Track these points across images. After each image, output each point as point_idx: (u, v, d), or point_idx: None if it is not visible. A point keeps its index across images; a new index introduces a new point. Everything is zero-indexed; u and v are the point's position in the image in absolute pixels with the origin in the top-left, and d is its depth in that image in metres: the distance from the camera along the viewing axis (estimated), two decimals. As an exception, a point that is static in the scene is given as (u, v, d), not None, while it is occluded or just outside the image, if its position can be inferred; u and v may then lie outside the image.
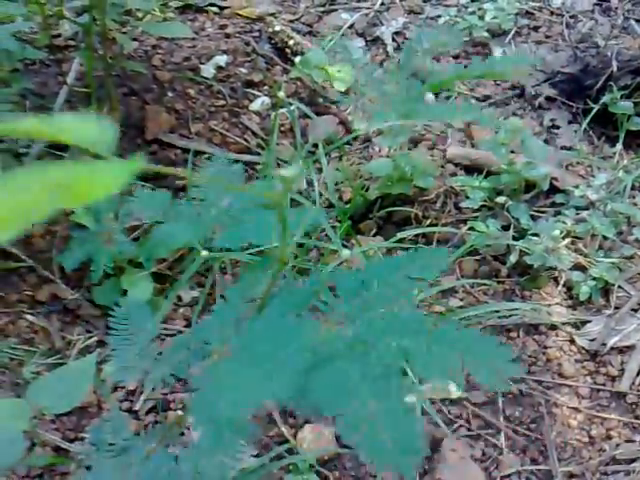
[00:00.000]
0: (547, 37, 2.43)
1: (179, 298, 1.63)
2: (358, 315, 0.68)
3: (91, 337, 1.55)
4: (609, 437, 1.47)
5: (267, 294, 0.76)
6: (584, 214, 1.77)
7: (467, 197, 1.80)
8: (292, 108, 2.03)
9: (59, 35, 2.17)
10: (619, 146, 2.00)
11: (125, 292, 1.56)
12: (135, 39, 2.23)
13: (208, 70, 2.18)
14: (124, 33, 2.10)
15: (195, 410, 0.70)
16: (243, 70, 2.21)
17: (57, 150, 1.83)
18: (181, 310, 1.62)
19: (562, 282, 1.69)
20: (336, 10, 2.52)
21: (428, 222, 1.80)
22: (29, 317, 1.57)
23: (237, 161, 1.95)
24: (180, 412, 1.41)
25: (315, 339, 0.65)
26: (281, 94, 2.04)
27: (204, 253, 1.55)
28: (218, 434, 0.73)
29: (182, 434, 1.38)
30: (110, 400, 1.40)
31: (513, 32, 2.43)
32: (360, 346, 0.63)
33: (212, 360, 0.80)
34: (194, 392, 0.70)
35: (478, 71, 0.68)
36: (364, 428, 0.57)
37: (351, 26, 2.45)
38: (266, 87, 2.17)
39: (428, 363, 0.62)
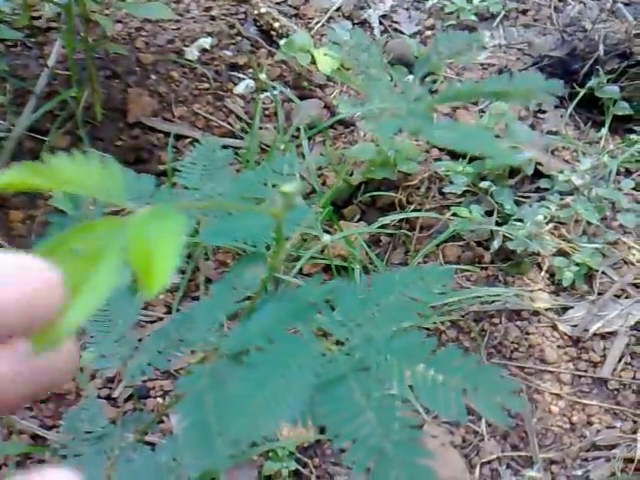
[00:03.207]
0: (535, 20, 2.41)
1: (160, 284, 1.62)
2: (358, 335, 0.67)
3: (70, 323, 1.53)
4: (590, 423, 1.47)
5: (258, 297, 0.74)
6: (568, 199, 1.76)
7: (451, 182, 1.78)
8: (276, 92, 2.01)
9: (40, 17, 2.14)
10: (604, 131, 1.99)
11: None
12: (119, 21, 2.20)
13: (192, 53, 2.15)
14: (107, 15, 2.08)
15: (191, 430, 0.68)
16: (228, 53, 2.18)
17: (38, 134, 1.81)
18: (161, 296, 1.61)
19: (545, 268, 1.69)
20: (323, -8, 2.49)
21: (412, 207, 1.79)
22: (8, 303, 1.55)
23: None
24: (160, 400, 1.41)
25: (320, 360, 0.64)
26: (263, 77, 2.02)
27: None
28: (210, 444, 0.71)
29: (161, 422, 1.38)
30: (88, 387, 1.39)
31: (501, 15, 2.41)
32: (363, 371, 0.63)
33: (199, 362, 0.77)
34: (186, 405, 0.68)
35: (494, 90, 0.65)
36: (370, 453, 0.58)
37: (338, 9, 2.42)
38: (251, 70, 2.15)
39: (431, 393, 0.61)
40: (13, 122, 1.83)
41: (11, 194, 1.70)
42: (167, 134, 1.92)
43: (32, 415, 1.36)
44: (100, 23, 1.95)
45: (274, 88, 2.02)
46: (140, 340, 1.56)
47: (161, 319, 1.56)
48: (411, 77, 1.96)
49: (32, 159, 1.36)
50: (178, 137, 1.91)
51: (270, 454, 1.32)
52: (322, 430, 1.41)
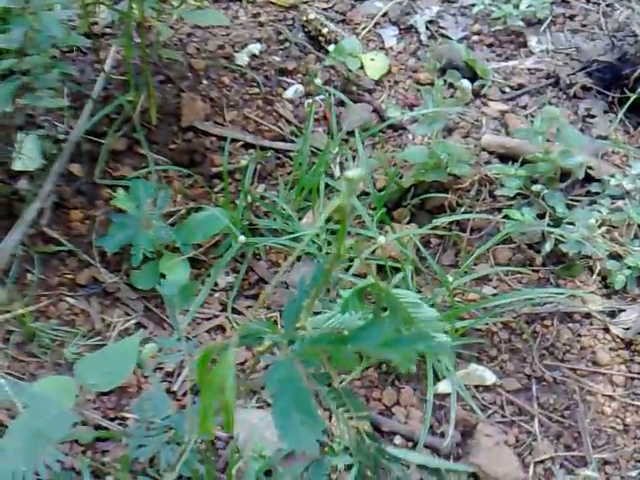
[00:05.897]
0: (583, 26, 2.41)
1: (215, 283, 1.65)
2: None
3: (130, 320, 1.57)
4: (644, 425, 1.47)
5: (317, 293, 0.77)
6: (619, 203, 1.77)
7: (502, 185, 1.79)
8: (326, 95, 2.04)
9: (96, 23, 2.20)
10: (655, 135, 1.99)
11: (163, 276, 1.59)
12: (170, 27, 2.24)
13: (242, 58, 2.19)
14: (161, 21, 2.12)
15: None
16: (277, 58, 2.22)
17: (95, 137, 1.86)
18: (216, 295, 1.64)
19: (597, 271, 1.69)
20: (370, -2, 2.52)
21: (462, 210, 1.80)
22: (69, 300, 1.60)
23: (271, 148, 1.97)
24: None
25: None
26: (318, 81, 2.05)
27: (242, 238, 1.57)
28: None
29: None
30: (153, 379, 1.43)
31: (548, 21, 2.41)
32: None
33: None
34: None
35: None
36: None
37: (384, 14, 2.45)
38: (299, 75, 2.18)
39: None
40: (71, 125, 1.88)
41: (71, 194, 1.75)
42: (219, 137, 1.96)
43: (95, 407, 1.40)
44: (155, 29, 2.00)
45: (327, 92, 2.04)
46: (196, 337, 1.59)
47: (217, 316, 1.59)
48: (465, 81, 1.98)
49: (90, 161, 1.45)
50: (230, 140, 1.94)
51: (326, 449, 1.34)
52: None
